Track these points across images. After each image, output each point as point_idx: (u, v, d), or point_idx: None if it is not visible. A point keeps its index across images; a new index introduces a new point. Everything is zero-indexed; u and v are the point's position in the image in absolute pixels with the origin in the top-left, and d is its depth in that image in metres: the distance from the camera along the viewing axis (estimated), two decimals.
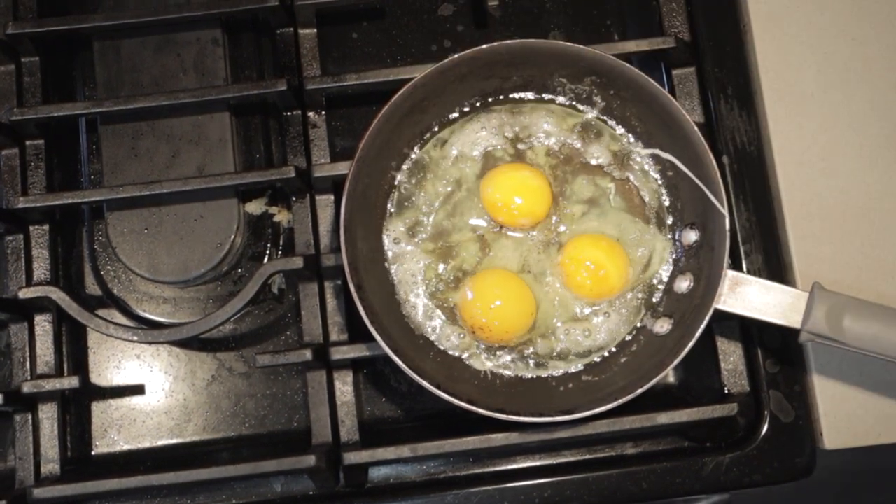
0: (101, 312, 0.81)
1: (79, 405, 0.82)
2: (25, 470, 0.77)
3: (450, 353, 0.76)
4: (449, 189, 0.78)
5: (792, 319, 0.69)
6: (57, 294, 0.77)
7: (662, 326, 0.75)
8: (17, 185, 0.81)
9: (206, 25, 0.82)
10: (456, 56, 0.74)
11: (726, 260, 0.71)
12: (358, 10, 0.88)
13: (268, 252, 0.85)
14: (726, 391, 0.78)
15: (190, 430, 0.82)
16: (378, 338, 0.69)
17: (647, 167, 0.78)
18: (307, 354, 0.75)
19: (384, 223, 0.77)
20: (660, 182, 0.78)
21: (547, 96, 0.79)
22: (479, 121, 0.79)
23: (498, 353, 0.76)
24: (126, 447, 0.82)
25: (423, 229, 0.77)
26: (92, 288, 0.84)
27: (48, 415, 0.78)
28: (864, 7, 0.82)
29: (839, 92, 0.80)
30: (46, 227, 0.81)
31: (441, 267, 0.77)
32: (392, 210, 0.78)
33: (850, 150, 0.79)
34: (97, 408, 0.82)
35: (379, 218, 0.77)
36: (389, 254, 0.77)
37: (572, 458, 0.79)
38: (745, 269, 0.78)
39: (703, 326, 0.70)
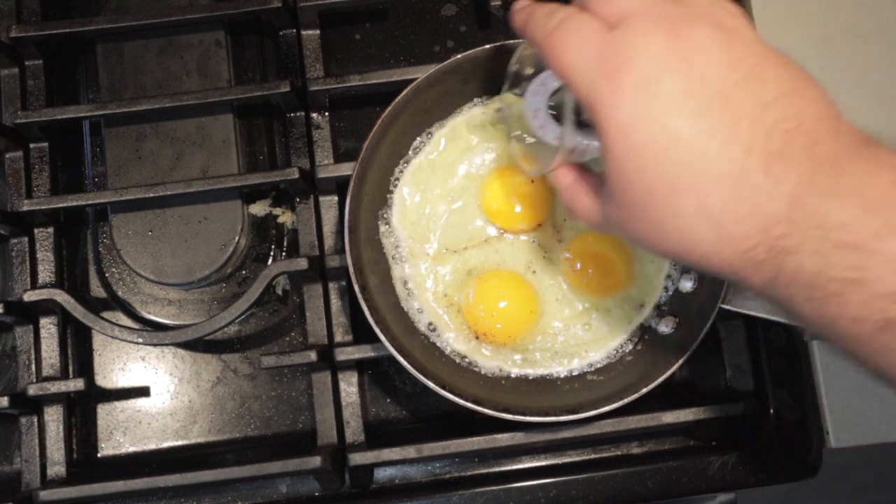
0: (105, 315, 0.81)
1: (84, 407, 0.82)
2: (31, 472, 0.77)
3: (455, 353, 0.76)
4: (453, 190, 0.78)
5: None
6: (62, 296, 0.77)
7: (667, 325, 0.75)
8: (21, 187, 0.81)
9: (209, 27, 0.82)
10: (459, 56, 0.74)
11: None
12: (361, 12, 0.88)
13: (272, 253, 0.85)
14: (732, 390, 0.78)
15: (195, 431, 0.82)
16: (383, 338, 0.69)
17: None
18: (312, 355, 0.75)
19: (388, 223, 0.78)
20: None
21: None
22: (484, 121, 0.79)
23: (503, 352, 0.75)
24: (132, 449, 0.82)
25: (427, 230, 0.77)
26: (97, 290, 0.84)
27: (54, 417, 0.78)
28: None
29: (843, 90, 0.80)
30: (51, 229, 0.81)
31: (445, 268, 0.77)
32: (396, 210, 0.77)
33: None
34: (103, 410, 0.82)
35: (383, 218, 0.77)
36: (393, 254, 0.77)
37: (578, 458, 0.79)
38: None
39: (707, 325, 0.70)
